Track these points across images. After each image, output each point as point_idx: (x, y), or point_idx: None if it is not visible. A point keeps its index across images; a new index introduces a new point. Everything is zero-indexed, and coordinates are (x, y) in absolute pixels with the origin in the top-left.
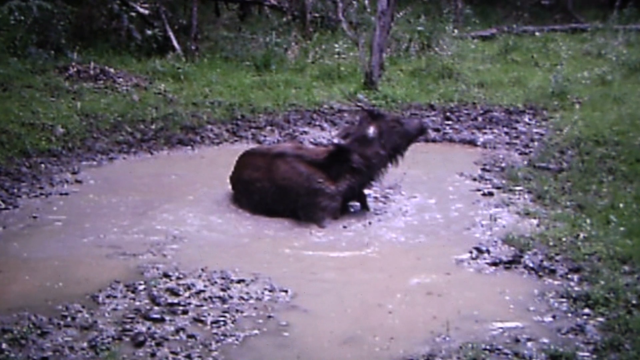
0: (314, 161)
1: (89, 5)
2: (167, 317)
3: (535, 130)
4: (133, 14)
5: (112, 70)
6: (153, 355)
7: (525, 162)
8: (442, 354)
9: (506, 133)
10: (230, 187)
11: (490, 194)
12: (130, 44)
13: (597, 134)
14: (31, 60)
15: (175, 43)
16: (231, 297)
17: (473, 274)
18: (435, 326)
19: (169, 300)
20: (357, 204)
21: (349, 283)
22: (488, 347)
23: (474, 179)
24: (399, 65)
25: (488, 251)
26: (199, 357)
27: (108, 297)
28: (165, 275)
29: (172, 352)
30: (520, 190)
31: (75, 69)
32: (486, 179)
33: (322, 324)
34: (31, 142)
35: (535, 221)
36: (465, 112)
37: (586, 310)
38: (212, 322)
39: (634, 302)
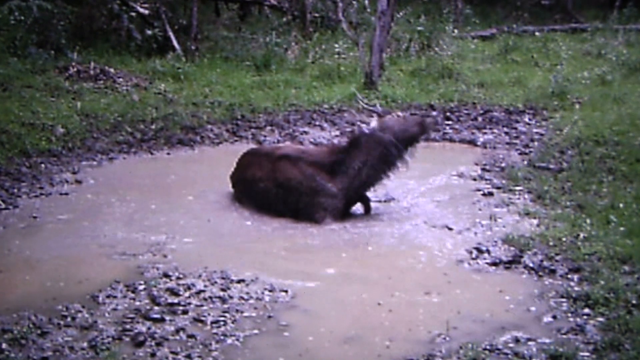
0: (317, 162)
1: (89, 5)
2: (167, 317)
3: (535, 130)
4: (133, 14)
5: (112, 70)
6: (153, 355)
7: (525, 162)
8: (442, 354)
9: (506, 133)
10: (230, 186)
11: (490, 194)
12: (130, 44)
13: (597, 134)
14: (31, 60)
15: (175, 43)
16: (231, 297)
17: (473, 273)
18: (435, 326)
19: (169, 300)
20: (359, 206)
21: (349, 283)
22: (488, 347)
23: (474, 179)
24: (399, 65)
25: (488, 251)
26: (199, 357)
27: (108, 297)
28: (165, 275)
29: (172, 352)
30: (520, 190)
31: (75, 69)
32: (486, 179)
33: (322, 323)
34: (31, 142)
35: (535, 221)
36: (465, 112)
37: (586, 310)
38: (212, 322)
39: (634, 302)
